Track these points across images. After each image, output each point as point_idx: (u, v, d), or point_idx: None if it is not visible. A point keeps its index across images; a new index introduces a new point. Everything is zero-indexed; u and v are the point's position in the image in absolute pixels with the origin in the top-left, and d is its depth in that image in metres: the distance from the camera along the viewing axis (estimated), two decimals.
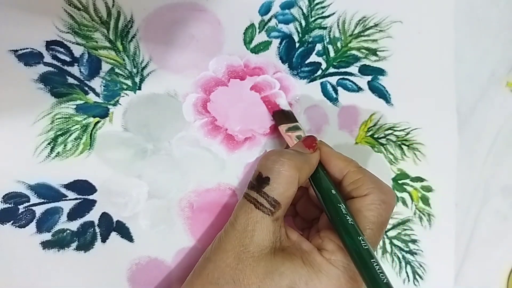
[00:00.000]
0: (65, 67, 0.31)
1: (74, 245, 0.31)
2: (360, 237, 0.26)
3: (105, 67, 0.32)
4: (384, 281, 0.24)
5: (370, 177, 0.29)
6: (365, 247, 0.25)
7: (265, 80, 0.34)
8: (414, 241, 0.37)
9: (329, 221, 0.28)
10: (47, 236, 0.31)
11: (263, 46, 0.35)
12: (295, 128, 0.32)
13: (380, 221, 0.28)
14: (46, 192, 0.31)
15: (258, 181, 0.27)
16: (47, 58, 0.31)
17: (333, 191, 0.28)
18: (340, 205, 0.27)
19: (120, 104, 0.32)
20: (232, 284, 0.26)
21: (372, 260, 0.24)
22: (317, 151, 0.30)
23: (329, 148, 0.31)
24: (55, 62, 0.31)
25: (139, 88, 0.33)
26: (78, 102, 0.32)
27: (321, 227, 0.30)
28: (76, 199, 0.31)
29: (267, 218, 0.26)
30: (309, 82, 0.35)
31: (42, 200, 0.31)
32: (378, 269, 0.24)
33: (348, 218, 0.26)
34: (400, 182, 0.37)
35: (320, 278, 0.26)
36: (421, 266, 0.37)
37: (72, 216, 0.31)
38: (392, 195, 0.29)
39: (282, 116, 0.33)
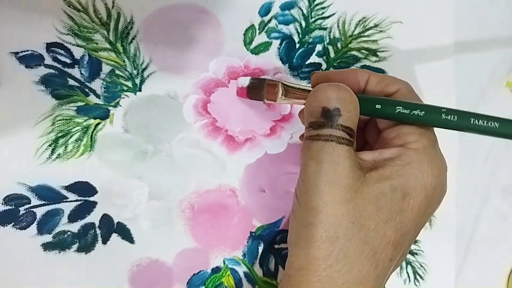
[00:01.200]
0: (66, 69, 0.31)
1: (75, 246, 0.31)
2: (443, 116, 0.25)
3: (106, 68, 0.32)
4: (497, 126, 0.24)
5: (389, 76, 0.28)
6: (455, 119, 0.25)
7: None
8: (414, 241, 0.37)
9: (399, 121, 0.27)
10: (48, 237, 0.31)
11: (263, 47, 0.35)
12: (273, 89, 0.29)
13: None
14: (47, 193, 0.31)
15: (327, 116, 0.25)
16: (48, 60, 0.31)
17: (378, 106, 0.27)
18: (399, 108, 0.26)
19: (120, 105, 0.32)
20: (352, 226, 0.23)
21: (472, 121, 0.25)
22: None
23: (329, 71, 0.30)
24: (55, 64, 0.31)
25: (140, 90, 0.33)
26: (79, 103, 0.32)
27: (371, 140, 0.30)
28: (76, 200, 0.31)
29: (351, 149, 0.24)
30: (310, 82, 0.35)
31: (43, 202, 0.31)
32: (485, 122, 0.25)
33: (415, 113, 0.26)
34: None
35: (423, 168, 0.25)
36: (421, 266, 0.37)
37: (73, 217, 0.31)
38: (406, 82, 0.28)
39: (254, 92, 0.31)
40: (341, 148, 0.24)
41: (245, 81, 0.32)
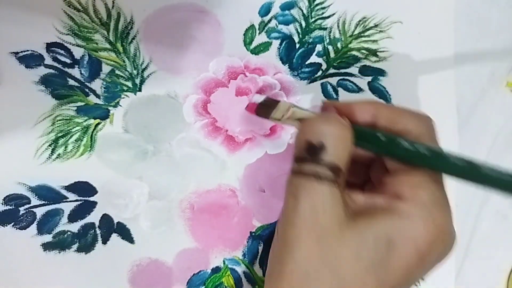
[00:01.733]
0: (66, 69, 0.31)
1: (75, 246, 0.31)
2: (451, 160, 0.24)
3: (106, 68, 0.32)
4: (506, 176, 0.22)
5: (401, 108, 0.26)
6: (464, 166, 0.24)
7: (265, 81, 0.34)
8: None
9: (406, 163, 0.25)
10: (48, 237, 0.31)
11: (263, 47, 0.35)
12: (283, 109, 0.28)
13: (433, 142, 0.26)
14: (47, 193, 0.31)
15: (310, 151, 0.23)
16: (48, 60, 0.31)
17: (383, 138, 0.24)
18: (400, 140, 0.24)
19: (120, 105, 0.32)
20: (324, 268, 0.22)
21: (484, 171, 0.23)
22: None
23: (340, 102, 0.27)
24: (55, 64, 0.31)
25: (140, 90, 0.33)
26: (79, 103, 0.32)
27: (375, 179, 0.27)
28: (76, 200, 0.31)
29: (333, 188, 0.23)
30: (310, 83, 0.35)
31: (43, 202, 0.31)
32: (496, 174, 0.23)
33: (421, 152, 0.24)
34: None
35: (414, 222, 0.23)
36: None
37: (72, 217, 0.31)
38: (428, 117, 0.26)
39: (264, 109, 0.29)
40: (323, 186, 0.23)
41: (259, 98, 0.30)
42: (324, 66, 0.35)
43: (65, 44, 0.31)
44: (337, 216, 0.23)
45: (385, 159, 0.26)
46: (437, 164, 0.24)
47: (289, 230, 0.23)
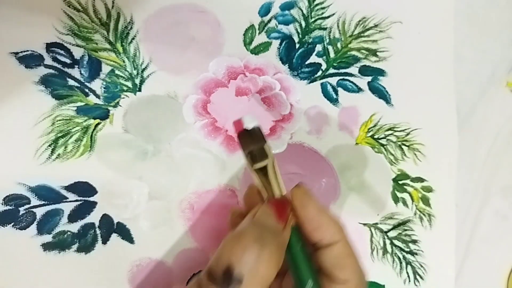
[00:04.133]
0: (66, 69, 0.31)
1: (74, 246, 0.31)
2: None
3: (105, 68, 0.32)
4: None
5: (355, 259, 0.24)
6: None
7: (265, 81, 0.34)
8: (414, 242, 0.37)
9: None
10: (47, 238, 0.31)
11: (263, 47, 0.35)
12: (262, 155, 0.24)
13: None
14: (47, 194, 0.31)
15: (226, 278, 0.21)
16: (48, 61, 0.31)
17: (311, 282, 0.23)
18: None
19: (120, 105, 0.32)
20: None
21: None
22: (289, 226, 0.24)
23: (316, 202, 0.24)
24: (55, 64, 0.31)
25: (139, 90, 0.33)
26: (79, 104, 0.32)
27: None
28: (76, 200, 0.31)
29: None
30: (309, 82, 0.35)
31: (43, 202, 0.31)
32: None
33: None
34: (400, 182, 0.37)
35: None
36: (421, 266, 0.37)
37: (72, 218, 0.31)
38: (366, 283, 0.25)
39: (246, 137, 0.25)
40: None
41: (250, 123, 0.25)
42: (324, 66, 0.35)
43: (65, 44, 0.31)
44: None
45: None
46: None
47: None
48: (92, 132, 0.32)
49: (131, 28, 0.32)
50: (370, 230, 0.36)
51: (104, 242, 0.32)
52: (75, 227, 0.31)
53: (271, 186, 0.24)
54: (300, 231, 0.24)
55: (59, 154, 0.31)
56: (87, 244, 0.31)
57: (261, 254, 0.21)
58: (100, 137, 0.32)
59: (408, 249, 0.37)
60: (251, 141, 0.25)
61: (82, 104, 0.32)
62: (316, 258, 0.24)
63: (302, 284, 0.23)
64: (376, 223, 0.36)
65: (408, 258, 0.37)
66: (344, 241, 0.24)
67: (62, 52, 0.31)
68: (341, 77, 0.36)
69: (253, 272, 0.21)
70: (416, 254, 0.37)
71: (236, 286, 0.21)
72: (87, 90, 0.32)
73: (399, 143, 0.37)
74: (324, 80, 0.35)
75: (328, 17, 0.35)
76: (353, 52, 0.36)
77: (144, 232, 0.32)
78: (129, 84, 0.32)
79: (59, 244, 0.31)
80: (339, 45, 0.36)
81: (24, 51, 0.31)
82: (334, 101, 0.36)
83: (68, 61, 0.31)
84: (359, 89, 0.36)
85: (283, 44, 0.35)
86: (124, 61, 0.32)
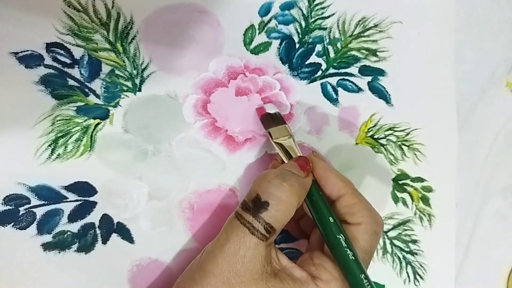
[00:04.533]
0: (66, 69, 0.31)
1: (74, 246, 0.31)
2: (362, 275, 0.26)
3: (105, 68, 0.32)
4: None
5: (365, 204, 0.29)
6: (368, 285, 0.25)
7: (265, 81, 0.34)
8: (414, 242, 0.37)
9: (328, 248, 0.27)
10: (47, 238, 0.31)
11: (263, 47, 0.35)
12: (283, 133, 0.31)
13: (372, 251, 0.28)
14: (47, 194, 0.31)
15: (256, 205, 0.26)
16: (48, 60, 0.31)
17: (331, 219, 0.27)
18: (340, 236, 0.27)
19: (120, 105, 0.32)
20: None
21: None
22: (310, 174, 0.29)
23: (325, 163, 0.30)
24: (55, 64, 0.31)
25: (139, 90, 0.33)
26: (79, 104, 0.32)
27: (313, 247, 0.30)
28: (76, 200, 0.31)
29: (261, 244, 0.25)
30: (309, 82, 0.35)
31: (43, 202, 0.31)
32: None
33: (348, 252, 0.26)
34: (400, 182, 0.37)
35: None
36: (421, 266, 0.37)
37: (72, 217, 0.31)
38: (382, 225, 0.29)
39: (269, 119, 0.32)
40: (252, 238, 0.25)
41: (272, 109, 0.33)
42: (324, 66, 0.35)
43: (65, 44, 0.31)
44: (252, 269, 0.25)
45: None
46: (350, 272, 0.26)
47: (210, 260, 0.26)
48: (92, 132, 0.32)
49: (131, 28, 0.32)
50: None
51: (104, 242, 0.32)
52: (75, 227, 0.31)
53: (292, 154, 0.30)
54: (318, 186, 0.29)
55: (59, 154, 0.31)
56: (87, 244, 0.31)
57: (282, 185, 0.26)
58: (100, 137, 0.32)
59: (408, 249, 0.37)
60: (272, 122, 0.31)
61: (82, 104, 0.32)
62: (333, 210, 0.28)
63: (324, 220, 0.27)
64: None
65: (408, 258, 0.37)
66: (351, 192, 0.28)
67: (62, 52, 0.31)
68: (341, 77, 0.36)
69: (276, 199, 0.26)
70: (416, 254, 0.37)
71: (264, 210, 0.26)
72: (87, 90, 0.32)
73: (399, 143, 0.37)
74: (324, 80, 0.35)
75: (328, 17, 0.35)
76: (353, 52, 0.36)
77: (144, 232, 0.32)
78: (129, 84, 0.32)
79: (59, 244, 0.31)
80: (339, 45, 0.36)
81: (24, 51, 0.31)
82: (334, 101, 0.36)
83: (68, 61, 0.31)
84: (359, 89, 0.36)
85: (283, 44, 0.35)
86: (124, 61, 0.32)
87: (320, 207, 0.28)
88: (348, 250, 0.26)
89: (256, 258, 0.25)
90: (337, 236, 0.27)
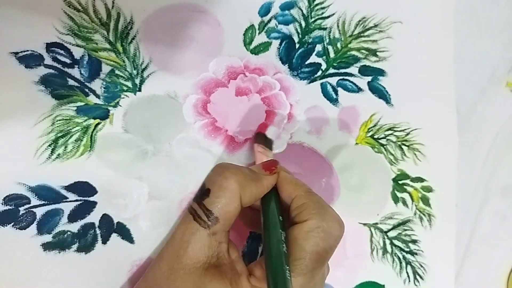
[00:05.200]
0: (66, 69, 0.31)
1: (74, 246, 0.31)
2: (286, 267, 0.24)
3: (105, 68, 0.32)
4: None
5: (316, 202, 0.27)
6: (287, 277, 0.24)
7: (265, 81, 0.34)
8: (414, 242, 0.37)
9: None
10: (47, 237, 0.31)
11: (263, 47, 0.35)
12: (267, 153, 0.32)
13: (316, 251, 0.26)
14: (47, 193, 0.31)
15: (200, 192, 0.27)
16: (48, 60, 0.31)
17: (271, 215, 0.27)
18: (275, 231, 0.26)
19: (120, 105, 0.32)
20: None
21: None
22: (274, 175, 0.29)
23: (286, 173, 0.30)
24: (55, 64, 0.31)
25: (139, 90, 0.33)
26: (79, 104, 0.32)
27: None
28: (76, 200, 0.31)
29: (203, 231, 0.26)
30: (309, 82, 0.35)
31: (43, 202, 0.31)
32: None
33: (278, 246, 0.25)
34: (400, 182, 0.37)
35: None
36: (421, 266, 0.37)
37: (72, 217, 0.31)
38: (335, 223, 0.27)
39: (263, 139, 0.33)
40: (194, 225, 0.26)
41: (272, 135, 0.34)
42: (324, 66, 0.35)
43: (65, 44, 0.31)
44: (193, 257, 0.26)
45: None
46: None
47: (164, 247, 0.28)
48: (92, 132, 0.32)
49: (131, 28, 0.32)
50: (370, 230, 0.36)
51: (104, 242, 0.32)
52: (75, 227, 0.31)
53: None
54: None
55: (59, 154, 0.31)
56: (87, 244, 0.31)
57: (223, 173, 0.27)
58: (100, 137, 0.32)
59: (408, 249, 0.37)
60: (264, 141, 0.33)
61: (82, 104, 0.32)
62: (289, 214, 0.28)
63: (267, 215, 0.28)
64: (376, 223, 0.36)
65: (408, 258, 0.37)
66: (301, 194, 0.28)
67: (62, 52, 0.31)
68: (341, 77, 0.36)
69: (217, 186, 0.27)
70: (416, 254, 0.37)
71: (206, 197, 0.27)
72: (87, 90, 0.32)
73: (399, 143, 0.37)
74: (324, 80, 0.35)
75: (328, 17, 0.35)
76: (353, 52, 0.36)
77: (144, 232, 0.32)
78: (129, 84, 0.32)
79: (59, 244, 0.31)
80: (339, 45, 0.36)
81: (24, 51, 0.31)
82: (334, 101, 0.36)
83: (68, 61, 0.31)
84: (359, 89, 0.36)
85: (283, 44, 0.35)
86: (124, 61, 0.32)
87: (267, 205, 0.28)
88: (279, 244, 0.25)
89: (198, 246, 0.26)
90: (272, 230, 0.26)
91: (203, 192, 0.27)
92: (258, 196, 0.28)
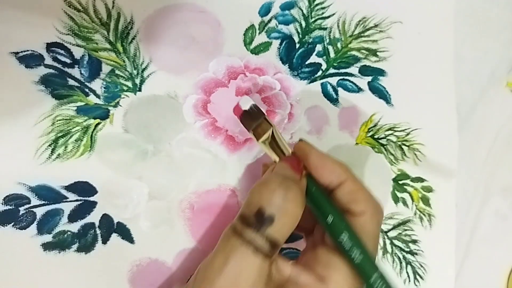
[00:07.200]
0: (66, 69, 0.31)
1: (75, 246, 0.31)
2: (375, 275, 0.23)
3: (106, 68, 0.32)
4: None
5: (367, 190, 0.26)
6: (381, 284, 0.23)
7: (265, 81, 0.34)
8: (414, 242, 0.37)
9: (337, 247, 0.25)
10: (47, 237, 0.31)
11: (263, 47, 0.35)
12: (265, 128, 0.28)
13: (377, 241, 0.26)
14: (47, 193, 0.31)
15: (259, 219, 0.23)
16: (48, 60, 0.31)
17: (330, 218, 0.25)
18: (344, 236, 0.24)
19: (120, 105, 0.32)
20: None
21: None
22: (303, 175, 0.27)
23: (316, 150, 0.27)
24: (55, 64, 0.31)
25: (140, 90, 0.33)
26: (79, 103, 0.32)
27: (316, 239, 0.28)
28: (76, 200, 0.31)
29: (265, 263, 0.23)
30: (310, 82, 0.35)
31: (43, 202, 0.31)
32: None
33: (354, 255, 0.24)
34: (400, 182, 0.37)
35: None
36: (421, 266, 0.37)
37: (72, 217, 0.31)
38: (383, 213, 0.27)
39: (247, 118, 0.29)
40: (255, 258, 0.23)
41: (246, 104, 0.29)
42: (324, 66, 0.35)
43: (65, 44, 0.31)
44: (256, 286, 0.23)
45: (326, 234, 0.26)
46: (364, 271, 0.24)
47: (207, 284, 0.23)
48: (92, 132, 0.32)
49: (131, 28, 0.32)
50: None
51: (104, 242, 0.32)
52: (75, 227, 0.31)
53: (279, 149, 0.28)
54: (313, 179, 0.27)
55: (59, 154, 0.31)
56: (87, 244, 0.31)
57: (287, 195, 0.23)
58: (100, 137, 0.32)
59: (408, 249, 0.37)
60: (251, 119, 0.29)
61: (82, 104, 0.32)
62: (333, 199, 0.26)
63: (324, 218, 0.25)
64: None
65: (408, 258, 0.37)
66: (351, 178, 0.26)
67: (62, 52, 0.31)
68: (341, 77, 0.36)
69: (282, 211, 0.23)
70: (416, 254, 0.37)
71: (269, 224, 0.23)
72: (87, 90, 0.32)
73: (399, 143, 0.37)
74: (324, 80, 0.35)
75: (328, 17, 0.35)
76: (353, 52, 0.36)
77: (144, 232, 0.32)
78: (129, 84, 0.32)
79: (59, 244, 0.31)
80: (339, 45, 0.36)
81: (24, 51, 0.31)
82: (334, 101, 0.36)
83: (68, 61, 0.31)
84: (359, 89, 0.36)
85: (283, 44, 0.35)
86: (124, 61, 0.32)
87: (320, 204, 0.26)
88: (354, 251, 0.24)
89: (260, 279, 0.23)
90: (339, 239, 0.24)
91: (265, 219, 0.23)
92: None
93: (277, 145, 0.28)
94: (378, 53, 0.36)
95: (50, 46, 0.31)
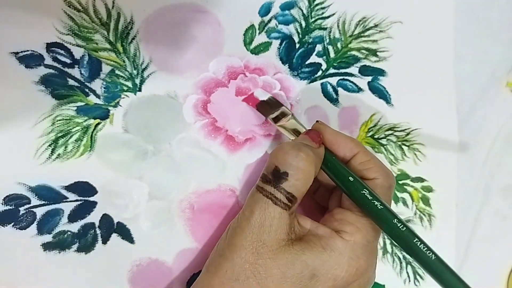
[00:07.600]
0: (66, 69, 0.31)
1: (75, 246, 0.31)
2: (395, 220, 0.26)
3: (106, 68, 0.32)
4: (432, 258, 0.25)
5: (378, 159, 0.30)
6: (403, 229, 0.26)
7: (265, 81, 0.34)
8: None
9: (357, 205, 0.28)
10: (48, 238, 0.31)
11: (263, 47, 0.35)
12: (282, 115, 0.32)
13: (390, 203, 0.29)
14: (47, 193, 0.31)
15: (275, 176, 0.27)
16: (48, 60, 0.31)
17: (351, 178, 0.28)
18: (365, 191, 0.27)
19: (120, 105, 0.32)
20: (253, 278, 0.26)
21: (415, 240, 0.25)
22: (322, 144, 0.30)
23: (331, 128, 0.31)
24: (55, 64, 0.31)
25: (140, 90, 0.33)
26: (79, 103, 0.32)
27: (332, 208, 0.30)
28: (76, 200, 0.31)
29: (284, 213, 0.26)
30: (310, 82, 0.35)
31: (43, 202, 0.31)
32: (423, 247, 0.25)
33: (376, 203, 0.27)
34: (400, 182, 0.37)
35: (341, 261, 0.26)
36: None
37: (72, 217, 0.31)
38: (394, 179, 0.30)
39: (265, 107, 0.33)
40: (275, 209, 0.26)
41: (263, 95, 0.33)
42: (324, 66, 0.35)
43: (65, 44, 0.31)
44: (278, 238, 0.26)
45: (343, 195, 0.29)
46: (383, 221, 0.27)
47: (237, 234, 0.27)
48: (92, 132, 0.32)
49: (131, 28, 0.32)
50: None
51: (104, 242, 0.32)
52: (75, 227, 0.31)
53: (298, 132, 0.31)
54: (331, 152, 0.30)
55: (59, 154, 0.31)
56: (87, 244, 0.31)
57: (299, 154, 0.27)
58: (100, 137, 0.32)
59: None
60: (270, 108, 0.32)
61: (82, 104, 0.32)
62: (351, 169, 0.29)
63: (346, 181, 0.28)
64: None
65: (408, 258, 0.37)
66: (363, 150, 0.30)
67: (62, 52, 0.31)
68: (341, 77, 0.36)
69: (295, 169, 0.27)
70: None
71: (284, 180, 0.27)
72: (87, 90, 0.32)
73: (399, 143, 0.37)
74: (324, 80, 0.35)
75: (328, 17, 0.35)
76: (353, 52, 0.36)
77: (144, 232, 0.32)
78: (129, 84, 0.32)
79: (59, 244, 0.31)
80: (339, 45, 0.36)
81: (24, 51, 0.31)
82: (334, 101, 0.36)
83: (68, 61, 0.31)
84: (359, 89, 0.36)
85: (283, 44, 0.35)
86: (124, 61, 0.32)
87: (338, 170, 0.29)
88: (375, 201, 0.27)
89: (282, 227, 0.26)
90: (362, 191, 0.27)
91: (280, 176, 0.27)
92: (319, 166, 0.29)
93: (296, 130, 0.31)
94: (378, 53, 0.36)
95: (50, 46, 0.31)
